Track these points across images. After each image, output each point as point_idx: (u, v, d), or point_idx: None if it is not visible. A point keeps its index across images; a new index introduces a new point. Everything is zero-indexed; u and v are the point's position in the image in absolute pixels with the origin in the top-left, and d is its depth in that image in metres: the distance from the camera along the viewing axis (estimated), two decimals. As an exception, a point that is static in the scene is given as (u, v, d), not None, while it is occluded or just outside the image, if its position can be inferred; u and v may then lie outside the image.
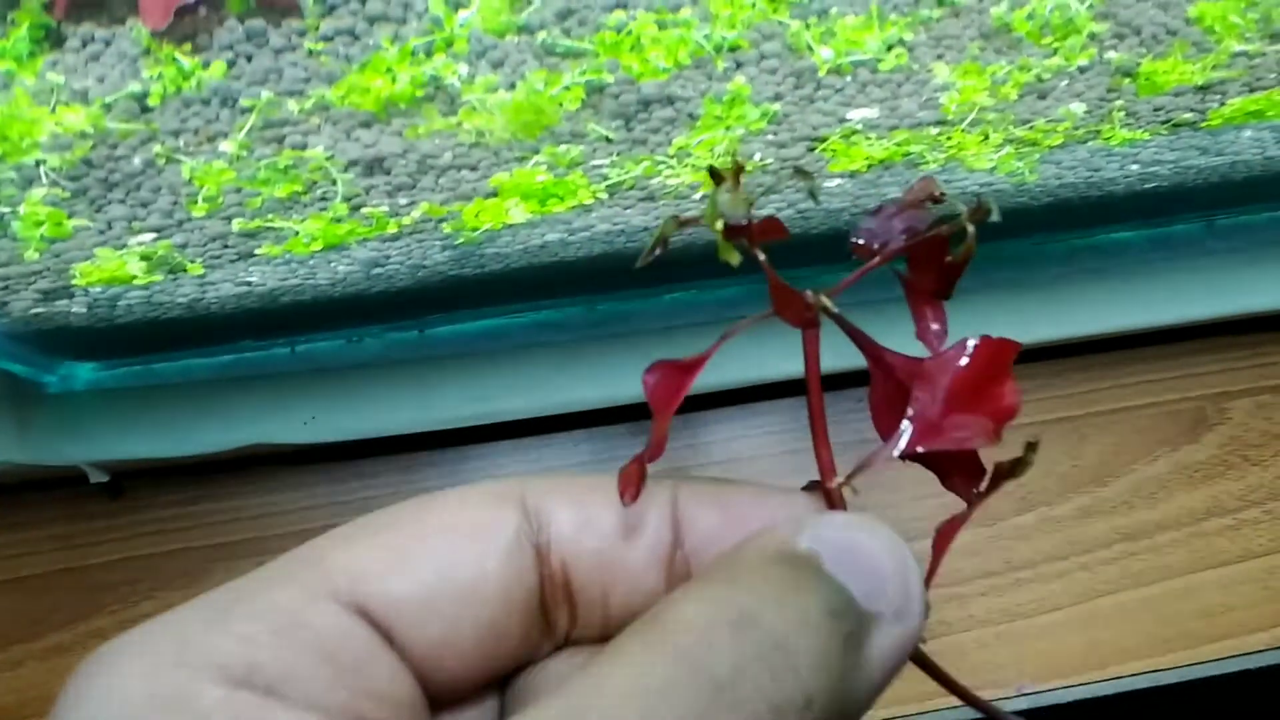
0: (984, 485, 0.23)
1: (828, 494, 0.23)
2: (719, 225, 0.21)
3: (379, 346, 0.51)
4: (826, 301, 0.22)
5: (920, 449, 0.22)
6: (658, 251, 0.22)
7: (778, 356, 0.50)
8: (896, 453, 0.22)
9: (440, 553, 0.21)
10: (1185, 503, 0.54)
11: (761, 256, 0.22)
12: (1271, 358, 0.56)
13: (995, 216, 0.21)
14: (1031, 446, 0.21)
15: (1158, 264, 0.53)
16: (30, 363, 0.49)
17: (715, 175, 0.22)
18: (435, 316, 0.51)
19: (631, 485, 0.22)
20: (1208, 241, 0.54)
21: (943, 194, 0.23)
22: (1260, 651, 0.52)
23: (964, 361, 0.22)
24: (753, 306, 0.51)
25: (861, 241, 0.23)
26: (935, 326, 0.23)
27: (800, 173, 0.23)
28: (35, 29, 0.34)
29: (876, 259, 0.23)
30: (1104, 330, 0.53)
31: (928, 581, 0.22)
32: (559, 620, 0.23)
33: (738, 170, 0.22)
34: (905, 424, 0.22)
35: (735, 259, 0.21)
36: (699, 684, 0.18)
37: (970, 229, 0.22)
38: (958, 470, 0.23)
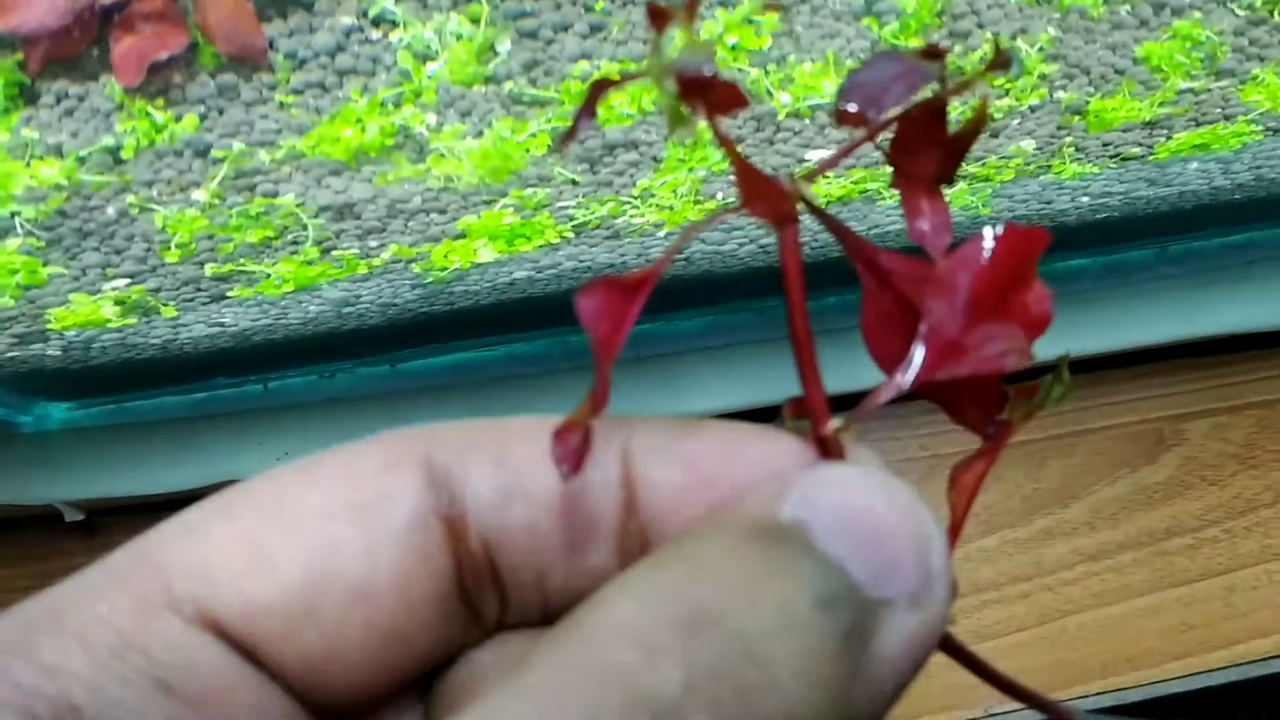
0: (1005, 414, 0.19)
1: (821, 442, 0.17)
2: (669, 81, 0.16)
3: (351, 382, 0.52)
4: (806, 189, 0.17)
5: (940, 375, 0.17)
6: (580, 126, 0.16)
7: (768, 385, 0.50)
8: (908, 382, 0.17)
9: (314, 542, 0.17)
10: (1145, 523, 0.55)
11: (724, 130, 0.16)
12: (1226, 379, 0.58)
13: (1015, 69, 0.16)
14: (1063, 362, 0.18)
15: (1112, 290, 0.54)
16: (4, 403, 0.49)
17: (657, 13, 0.16)
18: (406, 351, 0.52)
19: (572, 451, 0.16)
20: (1161, 267, 0.55)
21: (942, 48, 0.17)
22: (1222, 669, 0.53)
23: (985, 258, 0.18)
24: (721, 337, 0.52)
25: (853, 107, 0.17)
26: (935, 222, 0.18)
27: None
28: (10, 86, 0.35)
29: (871, 128, 0.17)
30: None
31: (951, 544, 0.17)
32: (485, 607, 0.18)
33: (692, 5, 0.16)
34: (918, 343, 0.17)
35: (691, 132, 0.16)
36: (633, 714, 0.13)
37: (982, 97, 0.17)
38: (973, 398, 0.19)
